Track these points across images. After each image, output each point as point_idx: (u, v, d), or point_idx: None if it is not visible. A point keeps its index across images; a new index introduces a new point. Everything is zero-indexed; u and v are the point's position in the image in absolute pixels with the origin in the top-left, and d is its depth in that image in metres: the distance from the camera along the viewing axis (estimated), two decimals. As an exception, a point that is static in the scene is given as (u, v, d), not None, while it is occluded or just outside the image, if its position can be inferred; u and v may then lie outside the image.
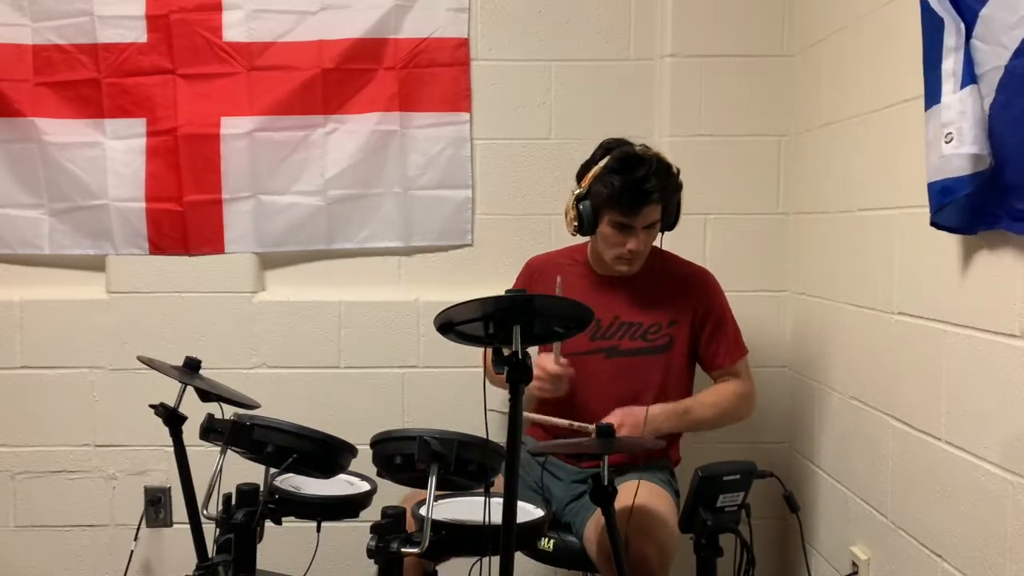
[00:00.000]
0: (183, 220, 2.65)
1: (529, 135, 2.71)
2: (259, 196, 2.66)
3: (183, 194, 2.64)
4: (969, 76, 1.50)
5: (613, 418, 2.01)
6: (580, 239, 2.32)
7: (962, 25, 1.51)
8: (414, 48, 2.64)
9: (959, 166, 1.53)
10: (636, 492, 1.89)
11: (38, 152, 2.63)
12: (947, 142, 1.53)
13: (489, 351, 2.27)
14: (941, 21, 1.55)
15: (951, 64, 1.54)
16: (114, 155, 2.64)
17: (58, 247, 2.68)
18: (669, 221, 2.17)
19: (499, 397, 1.79)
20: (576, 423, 2.05)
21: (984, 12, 1.47)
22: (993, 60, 1.45)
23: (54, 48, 2.63)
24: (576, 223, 2.15)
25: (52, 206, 2.66)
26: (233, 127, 2.63)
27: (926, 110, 1.66)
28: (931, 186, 1.65)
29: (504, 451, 1.63)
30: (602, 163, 2.10)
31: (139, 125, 2.64)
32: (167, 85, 2.64)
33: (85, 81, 2.63)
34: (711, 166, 2.60)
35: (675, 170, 2.14)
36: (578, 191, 2.15)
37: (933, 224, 1.68)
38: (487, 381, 1.81)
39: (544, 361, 2.07)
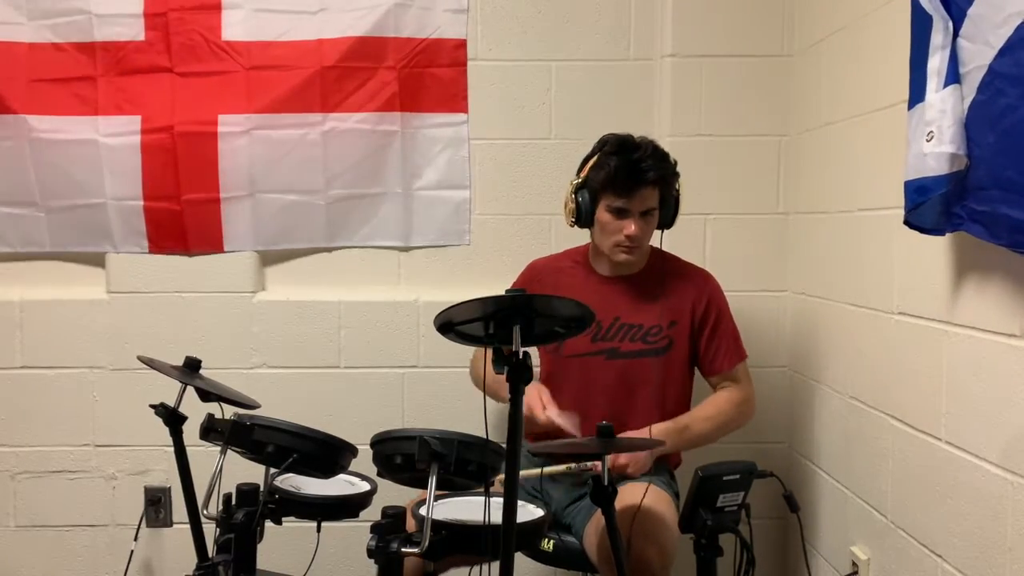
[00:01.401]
0: (182, 219, 2.64)
1: (529, 135, 2.71)
2: (258, 195, 2.65)
3: (181, 192, 2.63)
4: (953, 75, 1.50)
5: (617, 461, 2.00)
6: (581, 241, 2.33)
7: (950, 24, 1.51)
8: (414, 48, 2.64)
9: (937, 165, 1.53)
10: (644, 494, 1.90)
11: (28, 149, 2.61)
12: (928, 140, 1.54)
13: (480, 359, 2.29)
14: (929, 19, 1.55)
15: (937, 62, 1.54)
16: (109, 153, 2.62)
17: (59, 245, 2.67)
18: (668, 215, 2.17)
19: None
20: (575, 465, 2.02)
21: (972, 11, 1.47)
22: (977, 59, 1.45)
23: (51, 46, 2.62)
24: (574, 214, 2.16)
25: (46, 204, 2.64)
26: (231, 125, 2.62)
27: (909, 109, 1.66)
28: (907, 184, 1.65)
29: (504, 451, 1.63)
30: (599, 152, 2.14)
31: (133, 123, 2.62)
32: (163, 83, 2.63)
33: (80, 78, 2.62)
34: (711, 166, 2.61)
35: (672, 159, 2.15)
36: (576, 181, 2.16)
37: (906, 223, 1.68)
38: (485, 392, 1.81)
39: (536, 408, 2.04)
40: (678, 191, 2.18)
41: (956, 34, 1.51)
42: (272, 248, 2.70)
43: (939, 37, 1.53)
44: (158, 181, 2.63)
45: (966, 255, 1.66)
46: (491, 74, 2.69)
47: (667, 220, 2.19)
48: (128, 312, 2.68)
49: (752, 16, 2.60)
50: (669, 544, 1.92)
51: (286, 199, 2.66)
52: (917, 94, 1.62)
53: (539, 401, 2.05)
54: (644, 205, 2.11)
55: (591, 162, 2.15)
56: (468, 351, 2.43)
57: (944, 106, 1.50)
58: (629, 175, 2.07)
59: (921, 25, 1.61)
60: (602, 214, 2.13)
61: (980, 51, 1.45)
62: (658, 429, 2.08)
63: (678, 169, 2.18)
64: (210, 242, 2.66)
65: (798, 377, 2.60)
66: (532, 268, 2.38)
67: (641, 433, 2.06)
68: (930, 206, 1.60)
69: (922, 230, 1.66)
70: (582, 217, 2.16)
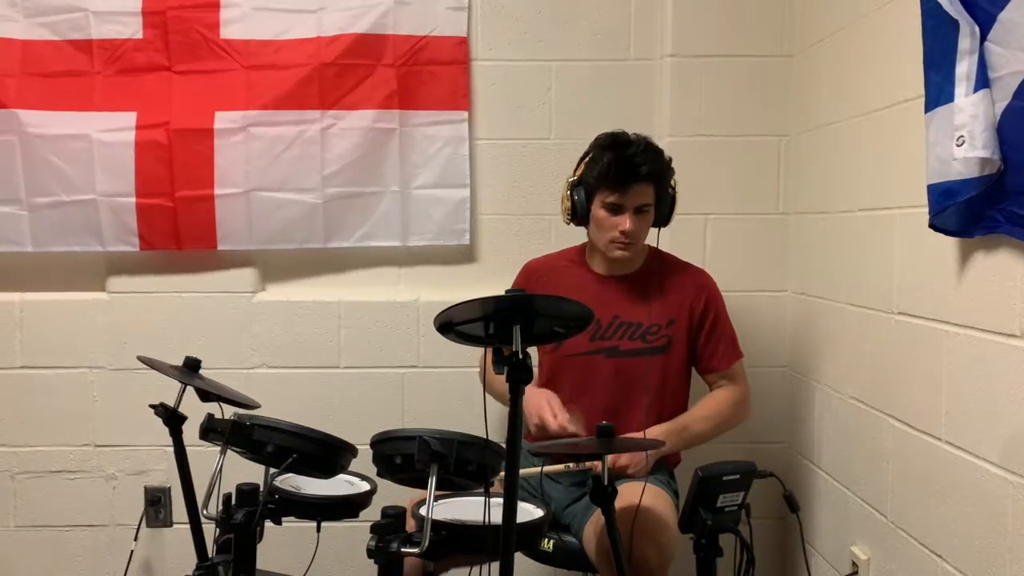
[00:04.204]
0: (174, 215, 2.61)
1: (529, 135, 2.71)
2: (253, 192, 2.63)
3: (175, 189, 2.61)
4: (982, 80, 1.49)
5: (618, 461, 2.00)
6: (578, 241, 2.33)
7: (976, 28, 1.50)
8: (413, 46, 2.63)
9: (965, 169, 1.52)
10: (642, 494, 1.90)
11: (17, 145, 2.58)
12: (958, 145, 1.53)
13: (488, 361, 2.28)
14: (954, 23, 1.53)
15: (965, 67, 1.52)
16: (102, 149, 2.59)
17: (42, 244, 2.63)
18: (663, 212, 2.18)
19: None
20: (574, 464, 2.02)
21: (1003, 16, 1.45)
22: (1012, 64, 1.44)
23: (46, 43, 2.60)
24: (570, 211, 2.17)
25: (32, 201, 2.60)
26: (227, 122, 2.60)
27: (927, 111, 1.66)
28: (932, 188, 1.65)
29: (504, 451, 1.63)
30: (594, 149, 2.15)
31: (129, 119, 2.60)
32: (162, 81, 2.62)
33: (76, 75, 2.60)
34: (711, 166, 2.60)
35: (667, 156, 2.16)
36: (572, 179, 2.18)
37: (932, 226, 1.68)
38: (486, 391, 1.81)
39: (547, 417, 2.03)
40: (674, 188, 2.19)
41: (983, 38, 1.49)
42: (267, 247, 2.68)
43: (966, 42, 1.52)
44: (151, 178, 2.60)
45: (965, 255, 1.66)
46: (491, 74, 2.69)
47: (663, 217, 2.19)
48: (128, 312, 2.68)
49: (752, 16, 2.60)
50: (668, 543, 1.92)
51: (282, 197, 2.64)
52: (936, 97, 1.62)
53: (549, 409, 2.04)
54: (638, 200, 2.11)
55: (586, 160, 2.16)
56: (468, 351, 2.43)
57: (975, 111, 1.49)
58: (621, 170, 2.08)
59: (940, 28, 1.60)
60: (597, 211, 2.14)
61: (1015, 56, 1.43)
62: (657, 430, 2.08)
63: (675, 167, 2.19)
64: (203, 239, 2.63)
65: (798, 377, 2.60)
66: (527, 269, 2.38)
67: (640, 435, 2.05)
68: (956, 209, 1.60)
69: (949, 233, 1.66)
70: (578, 215, 2.17)
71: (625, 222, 2.11)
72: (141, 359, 2.06)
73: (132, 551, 2.48)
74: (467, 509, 1.79)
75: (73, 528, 2.72)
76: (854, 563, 2.15)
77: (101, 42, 2.61)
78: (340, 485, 1.98)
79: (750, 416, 2.29)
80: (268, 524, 1.86)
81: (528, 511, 1.85)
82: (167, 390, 2.02)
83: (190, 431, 1.95)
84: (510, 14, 2.68)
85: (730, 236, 2.63)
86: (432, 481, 1.62)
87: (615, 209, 2.12)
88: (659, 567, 1.89)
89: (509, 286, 2.32)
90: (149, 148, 2.60)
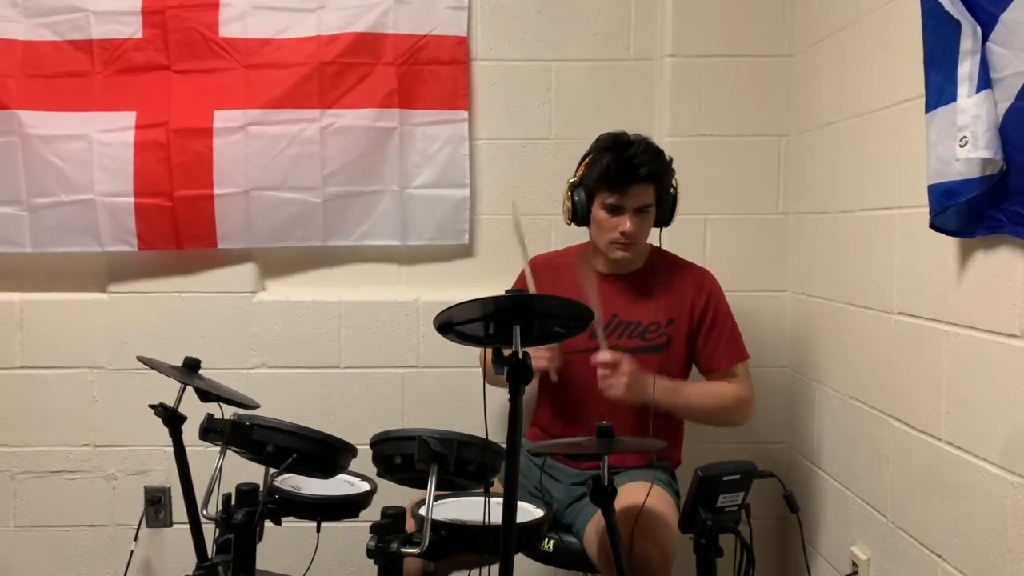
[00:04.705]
0: (173, 215, 2.61)
1: (529, 135, 2.71)
2: (253, 192, 2.62)
3: (173, 189, 2.60)
4: (984, 80, 1.49)
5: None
6: (580, 239, 2.33)
7: (979, 28, 1.50)
8: (413, 44, 2.63)
9: (967, 170, 1.52)
10: (648, 494, 1.90)
11: (19, 146, 2.58)
12: (961, 145, 1.53)
13: (489, 350, 2.28)
14: (956, 23, 1.53)
15: (967, 67, 1.52)
16: (101, 149, 2.59)
17: (41, 245, 2.63)
18: (664, 212, 2.18)
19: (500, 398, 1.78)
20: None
21: (1005, 16, 1.45)
22: (1015, 65, 1.44)
23: (47, 44, 2.60)
24: (571, 212, 2.17)
25: (32, 202, 2.60)
26: (226, 121, 2.60)
27: (927, 111, 1.66)
28: (932, 188, 1.65)
29: (504, 451, 1.63)
30: (594, 150, 2.15)
31: (128, 119, 2.60)
32: (161, 81, 2.61)
33: (76, 75, 2.60)
34: (711, 166, 2.60)
35: (668, 156, 2.16)
36: (572, 180, 2.18)
37: (932, 226, 1.68)
38: (487, 380, 1.81)
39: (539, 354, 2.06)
40: (675, 188, 2.18)
41: (985, 39, 1.49)
42: (267, 246, 2.67)
43: (968, 42, 1.51)
44: (150, 177, 2.60)
45: (966, 255, 1.66)
46: (491, 74, 2.69)
47: (664, 218, 2.19)
48: (128, 312, 2.68)
49: (752, 16, 2.60)
50: (670, 543, 1.92)
51: (281, 196, 2.64)
52: (937, 97, 1.62)
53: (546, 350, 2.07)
54: (638, 202, 2.11)
55: (586, 160, 2.16)
56: (468, 351, 2.43)
57: (978, 111, 1.49)
58: (621, 171, 2.08)
59: (941, 28, 1.60)
60: (597, 212, 2.14)
61: (1017, 57, 1.43)
62: (657, 380, 2.07)
63: (675, 167, 2.18)
64: (203, 239, 2.63)
65: (798, 377, 2.60)
66: (531, 265, 2.37)
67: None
68: (957, 209, 1.60)
69: (949, 233, 1.66)
70: (578, 215, 2.17)
71: (625, 223, 2.11)
72: (141, 359, 2.07)
73: (132, 551, 2.48)
74: (467, 509, 1.79)
75: (73, 528, 2.72)
76: (854, 563, 2.15)
77: (101, 42, 2.61)
78: (340, 485, 1.98)
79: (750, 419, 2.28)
80: (268, 524, 1.86)
81: (528, 511, 1.86)
82: (167, 390, 2.02)
83: (190, 431, 1.96)
84: (510, 14, 2.68)
85: (730, 236, 2.63)
86: (432, 481, 1.62)
87: (615, 210, 2.12)
88: (661, 567, 1.89)
89: (509, 286, 2.31)
90: (148, 148, 2.60)
